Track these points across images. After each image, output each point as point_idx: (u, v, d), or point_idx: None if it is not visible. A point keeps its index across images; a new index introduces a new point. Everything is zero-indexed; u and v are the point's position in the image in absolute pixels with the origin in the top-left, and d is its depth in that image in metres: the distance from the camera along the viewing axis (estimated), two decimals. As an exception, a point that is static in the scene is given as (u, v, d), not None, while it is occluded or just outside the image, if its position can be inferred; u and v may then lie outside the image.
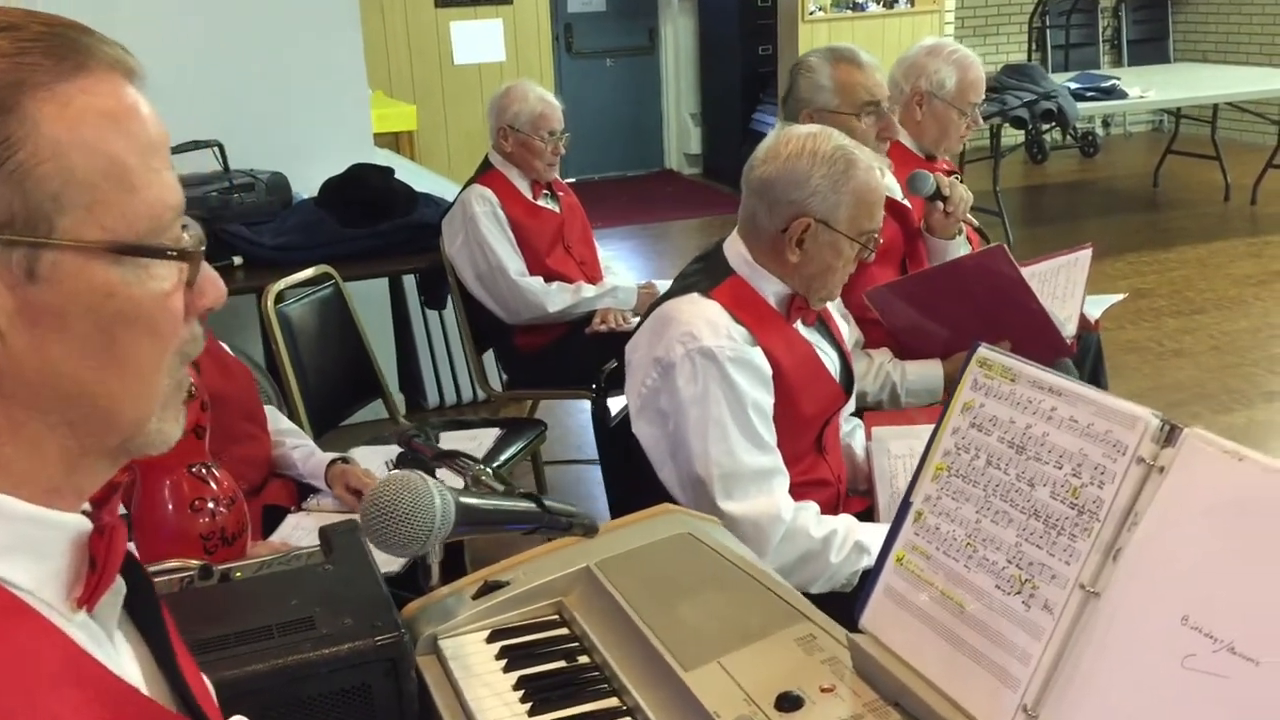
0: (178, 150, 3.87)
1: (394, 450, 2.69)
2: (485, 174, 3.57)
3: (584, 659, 1.46)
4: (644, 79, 9.58)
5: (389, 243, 3.78)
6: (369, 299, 4.37)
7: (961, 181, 3.42)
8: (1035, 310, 2.44)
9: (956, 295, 2.49)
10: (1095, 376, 3.50)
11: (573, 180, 9.66)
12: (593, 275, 3.64)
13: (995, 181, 6.64)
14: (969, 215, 2.73)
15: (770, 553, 1.90)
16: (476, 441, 2.65)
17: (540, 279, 3.50)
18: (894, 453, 2.29)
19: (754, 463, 1.92)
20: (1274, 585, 0.94)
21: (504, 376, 3.80)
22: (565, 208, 3.65)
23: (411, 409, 4.66)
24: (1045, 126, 6.56)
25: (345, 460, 2.49)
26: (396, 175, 3.97)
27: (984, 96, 3.28)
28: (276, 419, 2.59)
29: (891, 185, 3.05)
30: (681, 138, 9.58)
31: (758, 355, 1.94)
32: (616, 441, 2.17)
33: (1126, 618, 1.04)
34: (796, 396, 1.98)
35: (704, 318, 1.94)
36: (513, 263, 3.46)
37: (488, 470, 1.58)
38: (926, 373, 2.58)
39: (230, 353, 2.54)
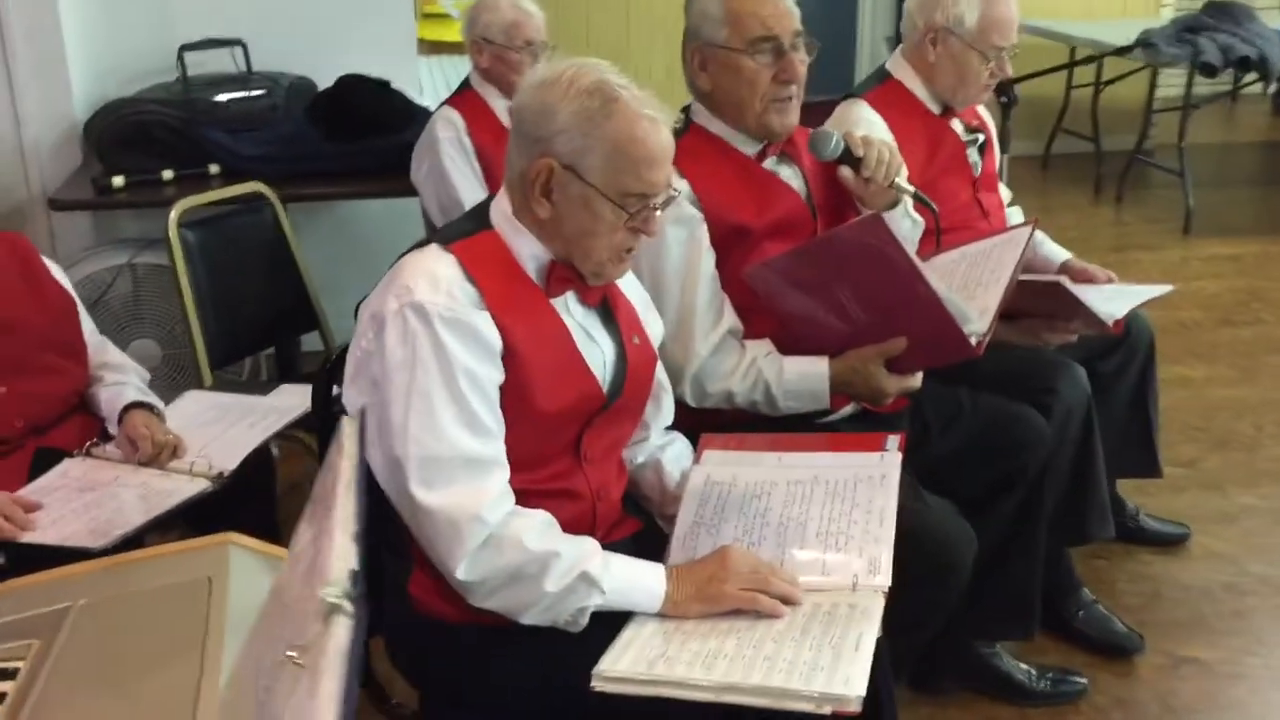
0: (193, 48, 3.74)
1: (234, 398, 2.45)
2: (459, 94, 3.25)
3: (-8, 727, 1.17)
4: (837, -4, 8.91)
5: (378, 162, 3.51)
6: (391, 219, 4.09)
7: (985, 142, 2.85)
8: (925, 298, 1.94)
9: (840, 276, 2.01)
10: (1142, 390, 2.89)
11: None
12: (572, 216, 3.27)
13: (1181, 136, 5.75)
14: (903, 181, 2.20)
15: (464, 561, 1.55)
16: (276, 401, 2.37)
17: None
18: (713, 477, 1.88)
19: (463, 446, 1.57)
20: None
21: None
22: (551, 137, 3.28)
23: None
24: (1248, 77, 5.61)
25: (147, 406, 2.27)
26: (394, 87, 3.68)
27: (1014, 41, 2.70)
28: (103, 351, 2.39)
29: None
30: (874, 62, 8.88)
31: (483, 320, 1.60)
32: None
33: None
34: (530, 383, 1.63)
35: (427, 271, 1.62)
36: (472, 195, 3.13)
37: None
38: (808, 372, 2.11)
39: (57, 276, 2.35)
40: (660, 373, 1.92)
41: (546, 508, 1.64)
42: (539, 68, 1.71)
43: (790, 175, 2.24)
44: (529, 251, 1.69)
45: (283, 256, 3.01)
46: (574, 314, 1.73)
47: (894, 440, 1.87)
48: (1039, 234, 2.94)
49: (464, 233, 1.70)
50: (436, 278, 1.61)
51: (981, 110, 2.92)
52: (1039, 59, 6.56)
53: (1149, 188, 6.33)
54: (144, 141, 3.44)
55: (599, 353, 1.74)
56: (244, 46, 3.84)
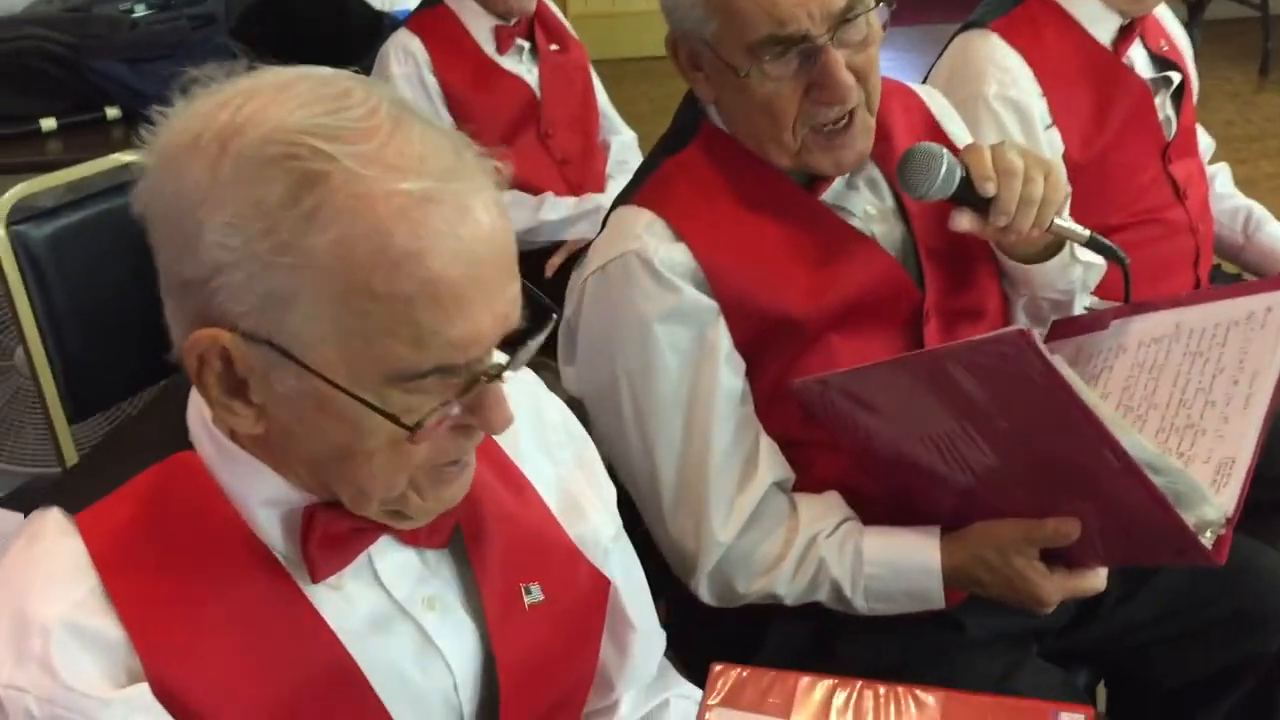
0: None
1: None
2: (423, 11, 2.38)
3: None
4: None
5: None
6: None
7: (1183, 83, 1.90)
8: (1118, 471, 1.06)
9: (961, 410, 1.12)
10: None
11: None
12: (580, 180, 2.39)
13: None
14: (1065, 221, 1.28)
15: None
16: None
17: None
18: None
19: None
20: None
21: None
22: (550, 71, 2.39)
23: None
24: None
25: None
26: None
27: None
28: None
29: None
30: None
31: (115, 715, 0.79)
32: None
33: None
34: None
35: (19, 596, 0.81)
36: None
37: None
38: (905, 564, 1.25)
39: None
40: (625, 602, 1.06)
41: None
42: (175, 108, 0.80)
43: (873, 213, 1.33)
44: (262, 494, 0.85)
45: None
46: (390, 585, 0.89)
47: None
48: (1262, 210, 2.05)
49: (124, 471, 0.86)
50: (26, 623, 0.79)
51: (1166, 20, 1.98)
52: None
53: (1331, 66, 5.20)
54: (22, 77, 2.62)
55: (441, 667, 0.91)
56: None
